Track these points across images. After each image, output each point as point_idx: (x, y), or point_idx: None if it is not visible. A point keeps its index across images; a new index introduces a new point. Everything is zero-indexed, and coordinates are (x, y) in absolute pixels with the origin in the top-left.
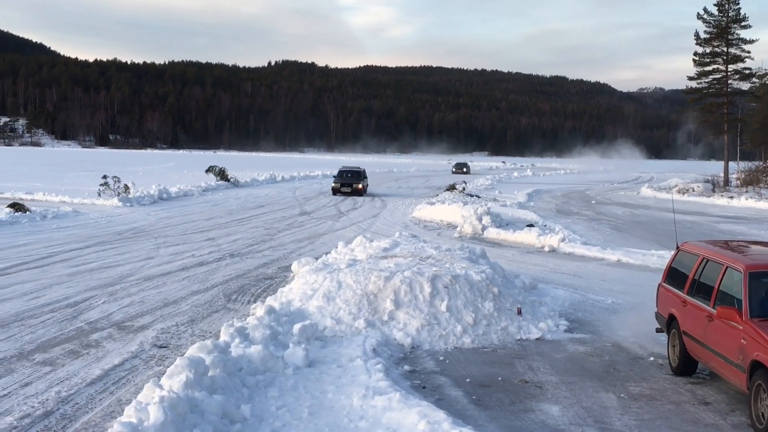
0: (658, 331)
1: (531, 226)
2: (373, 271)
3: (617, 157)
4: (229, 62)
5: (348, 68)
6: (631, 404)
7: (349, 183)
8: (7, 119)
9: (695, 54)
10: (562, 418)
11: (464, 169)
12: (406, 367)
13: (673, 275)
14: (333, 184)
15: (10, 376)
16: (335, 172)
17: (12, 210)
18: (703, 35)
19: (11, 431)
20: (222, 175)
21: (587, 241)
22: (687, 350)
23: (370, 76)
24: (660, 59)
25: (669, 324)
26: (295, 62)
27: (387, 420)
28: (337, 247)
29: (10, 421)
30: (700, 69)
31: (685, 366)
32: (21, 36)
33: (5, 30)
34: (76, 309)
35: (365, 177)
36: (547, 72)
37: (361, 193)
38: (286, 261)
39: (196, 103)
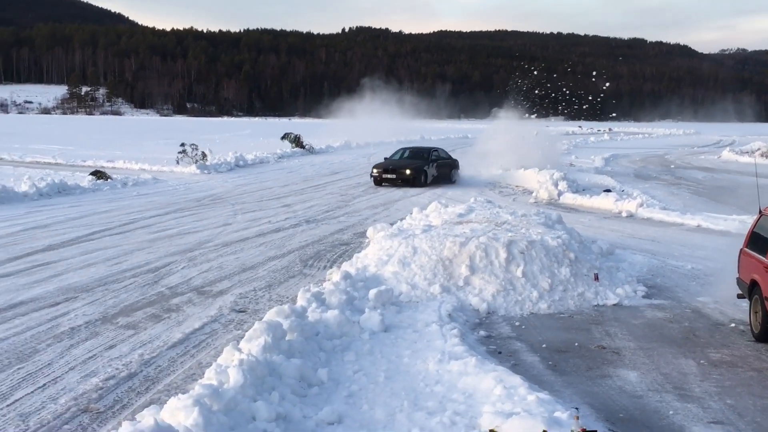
0: (739, 297)
1: (608, 191)
2: (448, 236)
3: (697, 120)
4: (304, 29)
5: (422, 33)
6: (712, 371)
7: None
8: (88, 89)
9: None
10: (640, 384)
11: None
12: (482, 333)
13: (756, 240)
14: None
15: (95, 338)
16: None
17: (94, 178)
18: None
19: (97, 392)
20: (297, 142)
21: (666, 206)
22: None
23: (444, 42)
24: (743, 19)
25: (751, 290)
26: (369, 28)
27: (463, 384)
28: (411, 213)
29: (95, 382)
30: None
31: None
32: (100, 6)
33: (85, 1)
34: (156, 274)
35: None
36: (625, 34)
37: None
38: (361, 227)
39: (271, 71)
